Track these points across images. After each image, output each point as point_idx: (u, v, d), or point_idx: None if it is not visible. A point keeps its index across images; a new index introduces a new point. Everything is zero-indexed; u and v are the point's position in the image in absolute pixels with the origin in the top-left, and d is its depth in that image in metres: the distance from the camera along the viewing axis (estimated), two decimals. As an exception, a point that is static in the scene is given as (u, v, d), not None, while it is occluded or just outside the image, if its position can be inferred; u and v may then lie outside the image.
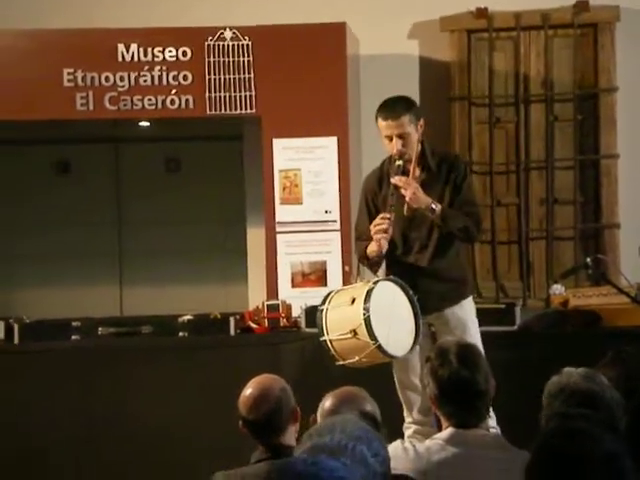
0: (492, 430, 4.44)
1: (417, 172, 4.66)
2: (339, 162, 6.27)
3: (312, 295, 6.06)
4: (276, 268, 6.25)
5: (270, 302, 5.73)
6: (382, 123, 4.65)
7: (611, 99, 6.55)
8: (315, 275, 6.27)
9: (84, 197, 8.39)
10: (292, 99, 6.23)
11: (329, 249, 6.27)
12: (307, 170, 6.30)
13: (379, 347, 4.21)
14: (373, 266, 4.63)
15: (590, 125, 6.63)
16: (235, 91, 6.28)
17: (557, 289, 5.79)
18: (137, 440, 5.36)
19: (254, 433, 3.42)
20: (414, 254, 4.63)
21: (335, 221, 6.28)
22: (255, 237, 6.65)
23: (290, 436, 3.40)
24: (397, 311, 4.36)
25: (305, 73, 6.25)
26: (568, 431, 1.93)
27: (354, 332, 4.24)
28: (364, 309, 4.21)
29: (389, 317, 4.31)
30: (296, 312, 5.66)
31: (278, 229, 6.28)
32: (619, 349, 3.38)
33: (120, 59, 6.25)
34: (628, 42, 6.56)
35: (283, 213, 6.29)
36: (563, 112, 6.65)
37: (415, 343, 4.38)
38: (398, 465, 3.01)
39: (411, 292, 4.39)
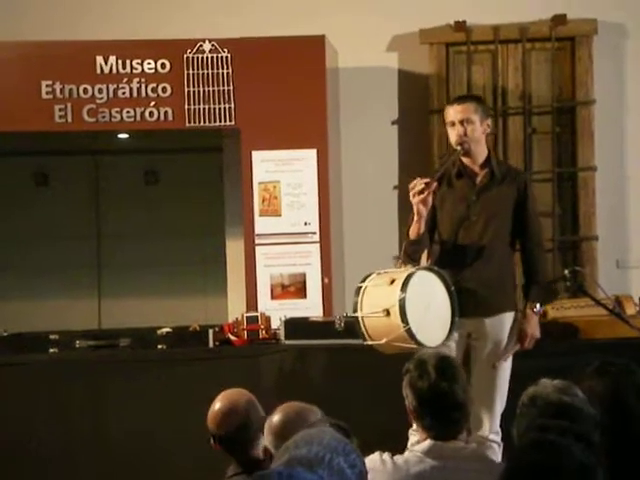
0: (494, 445, 4.46)
1: (481, 175, 4.65)
2: (318, 174, 6.28)
3: (291, 307, 6.07)
4: (255, 280, 6.24)
5: (249, 314, 5.72)
6: (448, 110, 4.68)
7: (589, 112, 6.59)
8: (294, 287, 6.27)
9: (63, 209, 8.38)
10: (271, 111, 6.23)
11: (308, 261, 6.27)
12: (286, 182, 6.30)
13: (409, 331, 4.15)
14: (414, 247, 4.53)
15: (568, 138, 6.66)
16: (214, 103, 6.28)
17: (535, 301, 5.79)
18: (115, 453, 5.33)
19: (227, 448, 3.42)
20: (464, 256, 4.59)
21: (314, 233, 6.28)
22: (234, 249, 6.65)
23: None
24: (434, 303, 4.34)
25: (284, 85, 6.25)
26: (540, 443, 1.93)
27: (387, 312, 4.21)
28: (401, 290, 4.18)
29: (425, 306, 4.29)
30: (275, 324, 5.65)
31: (257, 241, 6.28)
32: (605, 361, 3.37)
33: (99, 71, 6.24)
34: (605, 55, 6.60)
35: (262, 225, 6.29)
36: (541, 125, 6.68)
37: (447, 339, 4.35)
38: (376, 477, 3.01)
39: (452, 288, 4.37)
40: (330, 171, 6.34)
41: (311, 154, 6.28)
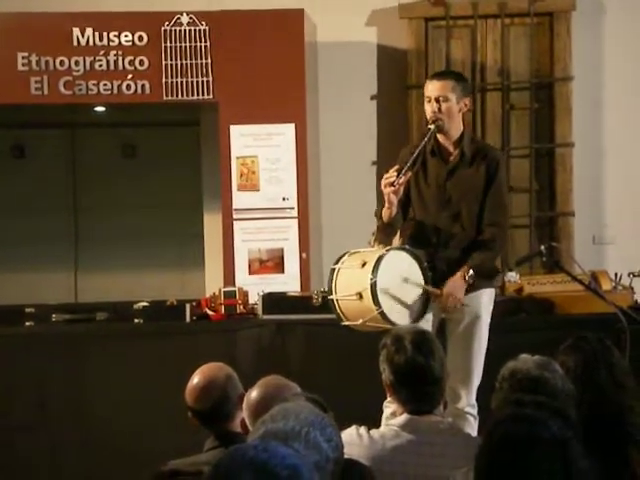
0: (469, 417, 4.48)
1: (454, 154, 4.61)
2: (297, 149, 6.27)
3: (269, 282, 6.07)
4: (233, 255, 6.24)
5: (227, 289, 5.72)
6: (427, 85, 4.65)
7: (567, 88, 6.60)
8: (272, 262, 6.27)
9: (39, 182, 8.33)
10: (250, 85, 6.21)
11: (286, 236, 6.27)
12: (264, 157, 6.29)
13: (382, 314, 4.20)
14: (387, 229, 4.55)
15: (546, 114, 6.67)
16: (192, 77, 6.24)
17: (512, 276, 5.82)
18: (92, 427, 5.33)
19: (204, 422, 3.42)
20: (437, 236, 4.59)
21: (292, 208, 6.28)
22: (212, 224, 6.63)
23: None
24: (408, 280, 4.35)
25: (263, 59, 6.23)
26: (517, 417, 1.94)
27: (360, 295, 4.24)
28: (372, 274, 4.20)
29: (398, 285, 4.30)
30: (253, 299, 5.65)
31: (235, 216, 6.26)
32: (579, 336, 3.41)
33: (75, 43, 6.19)
34: (584, 31, 6.60)
35: (240, 200, 6.28)
36: (519, 101, 6.69)
37: (421, 315, 4.36)
38: (352, 451, 3.02)
39: (425, 265, 4.38)
40: (308, 146, 6.33)
41: (289, 129, 6.26)
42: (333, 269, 4.41)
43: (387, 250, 4.33)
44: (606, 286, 5.49)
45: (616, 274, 5.70)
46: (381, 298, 4.21)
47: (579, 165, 6.60)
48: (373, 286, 4.19)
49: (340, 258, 4.44)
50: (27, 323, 5.52)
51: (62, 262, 8.32)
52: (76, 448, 5.35)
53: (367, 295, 4.22)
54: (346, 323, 4.38)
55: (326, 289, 4.55)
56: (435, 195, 4.60)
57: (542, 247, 4.73)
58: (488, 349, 4.71)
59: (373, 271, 4.21)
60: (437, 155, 4.63)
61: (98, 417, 5.33)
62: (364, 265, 4.27)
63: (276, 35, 6.24)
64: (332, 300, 4.38)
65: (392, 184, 4.40)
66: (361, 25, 6.66)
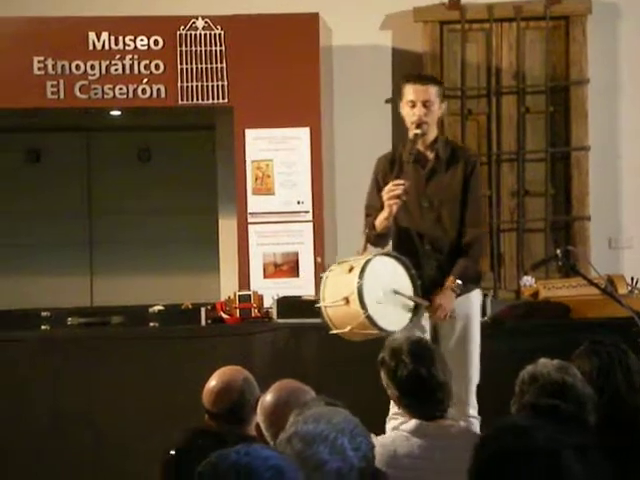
0: (473, 420, 4.47)
1: (430, 159, 4.62)
2: (311, 153, 6.27)
3: (284, 286, 6.07)
4: (248, 259, 6.24)
5: (242, 292, 5.73)
6: (409, 88, 4.62)
7: (582, 91, 6.58)
8: (287, 266, 6.27)
9: (55, 186, 8.36)
10: (265, 89, 6.21)
11: (301, 240, 6.27)
12: (279, 161, 6.29)
13: (368, 317, 4.17)
14: (380, 240, 4.56)
15: (561, 117, 6.65)
16: (207, 81, 6.25)
17: (527, 280, 5.81)
18: (106, 430, 5.34)
19: (220, 425, 3.42)
20: (421, 242, 4.59)
21: (307, 212, 6.28)
22: (227, 227, 6.64)
23: None
24: (396, 287, 4.34)
25: (278, 63, 6.23)
26: (502, 430, 1.87)
27: (346, 300, 4.22)
28: (358, 277, 4.19)
29: (385, 290, 4.29)
30: (268, 303, 5.66)
31: (250, 220, 6.27)
32: (594, 340, 3.41)
33: (91, 47, 6.21)
34: (600, 35, 6.58)
35: (255, 204, 6.28)
36: (535, 104, 6.67)
37: (411, 321, 4.35)
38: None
39: (413, 271, 4.37)
40: (323, 150, 6.33)
41: (304, 132, 6.27)
42: (322, 277, 4.41)
43: (374, 255, 4.34)
44: (622, 290, 5.47)
45: (632, 278, 5.68)
46: (368, 301, 4.18)
47: (595, 169, 6.58)
48: (360, 289, 4.17)
49: (330, 267, 4.45)
50: (43, 327, 5.54)
51: (77, 266, 8.35)
52: (90, 450, 5.36)
53: (354, 299, 4.19)
54: (334, 331, 4.34)
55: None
56: (416, 201, 4.60)
57: (558, 251, 4.72)
58: (504, 353, 4.70)
59: (360, 275, 4.20)
60: (414, 161, 4.62)
61: (113, 420, 5.34)
62: (351, 270, 4.26)
63: (291, 39, 6.24)
64: (320, 308, 4.35)
65: (399, 197, 4.41)
66: (376, 29, 6.66)
